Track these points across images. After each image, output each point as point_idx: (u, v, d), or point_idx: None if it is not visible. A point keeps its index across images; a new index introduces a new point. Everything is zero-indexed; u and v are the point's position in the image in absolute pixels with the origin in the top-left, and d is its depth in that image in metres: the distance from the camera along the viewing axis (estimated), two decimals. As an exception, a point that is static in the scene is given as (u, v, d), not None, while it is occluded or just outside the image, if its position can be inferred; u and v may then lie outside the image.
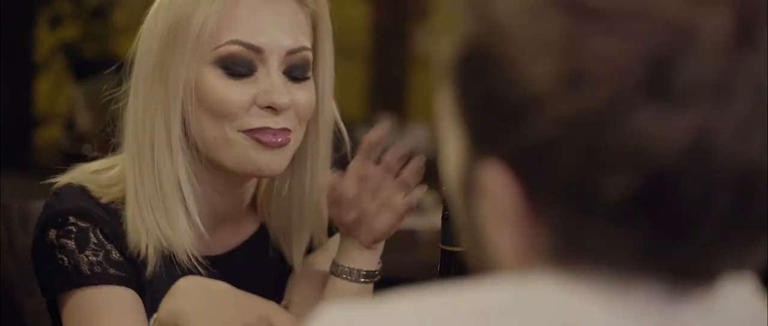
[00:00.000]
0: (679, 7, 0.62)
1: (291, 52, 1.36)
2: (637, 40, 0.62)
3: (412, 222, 3.10)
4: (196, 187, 1.37)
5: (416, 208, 3.36)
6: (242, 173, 1.38)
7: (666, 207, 0.63)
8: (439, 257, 1.27)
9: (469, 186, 0.69)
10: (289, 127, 1.35)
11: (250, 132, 1.34)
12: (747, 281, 0.68)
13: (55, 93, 4.32)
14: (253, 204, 1.47)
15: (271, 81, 1.34)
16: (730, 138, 0.62)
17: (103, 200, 1.39)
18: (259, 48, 1.34)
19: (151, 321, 1.23)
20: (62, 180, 1.41)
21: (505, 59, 0.65)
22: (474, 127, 0.68)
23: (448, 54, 0.69)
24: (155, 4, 1.38)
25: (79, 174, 1.42)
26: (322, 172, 1.44)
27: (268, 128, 1.34)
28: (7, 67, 4.05)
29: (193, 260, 1.38)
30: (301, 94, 1.37)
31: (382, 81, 5.70)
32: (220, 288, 1.23)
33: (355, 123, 4.76)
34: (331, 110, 1.44)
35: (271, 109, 1.34)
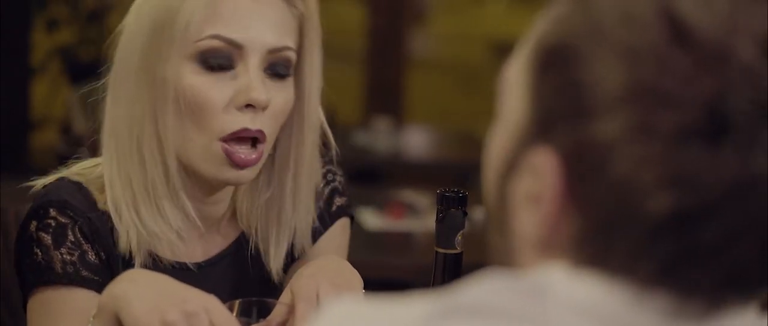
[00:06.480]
0: (751, 55, 0.65)
1: (273, 51, 1.33)
2: (714, 75, 0.64)
3: (407, 224, 3.11)
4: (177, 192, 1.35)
5: (412, 211, 3.35)
6: (215, 182, 1.36)
7: (698, 233, 0.65)
8: (433, 259, 1.27)
9: (515, 163, 0.70)
10: (265, 129, 1.33)
11: (228, 142, 1.31)
12: (752, 310, 0.70)
13: (51, 96, 4.32)
14: (234, 213, 1.45)
15: (249, 78, 1.31)
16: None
17: (98, 199, 1.36)
18: (240, 44, 1.31)
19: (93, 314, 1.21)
20: (57, 175, 1.38)
21: (595, 56, 0.67)
22: (543, 110, 0.69)
23: (540, 35, 0.71)
24: (138, 1, 1.35)
25: (72, 171, 1.39)
26: (308, 177, 1.42)
27: (246, 129, 1.31)
28: (3, 70, 4.05)
29: (175, 265, 1.36)
30: (279, 94, 1.34)
31: (378, 84, 5.71)
32: (163, 277, 1.21)
33: (351, 125, 4.77)
34: (316, 114, 1.41)
35: (250, 106, 1.32)
